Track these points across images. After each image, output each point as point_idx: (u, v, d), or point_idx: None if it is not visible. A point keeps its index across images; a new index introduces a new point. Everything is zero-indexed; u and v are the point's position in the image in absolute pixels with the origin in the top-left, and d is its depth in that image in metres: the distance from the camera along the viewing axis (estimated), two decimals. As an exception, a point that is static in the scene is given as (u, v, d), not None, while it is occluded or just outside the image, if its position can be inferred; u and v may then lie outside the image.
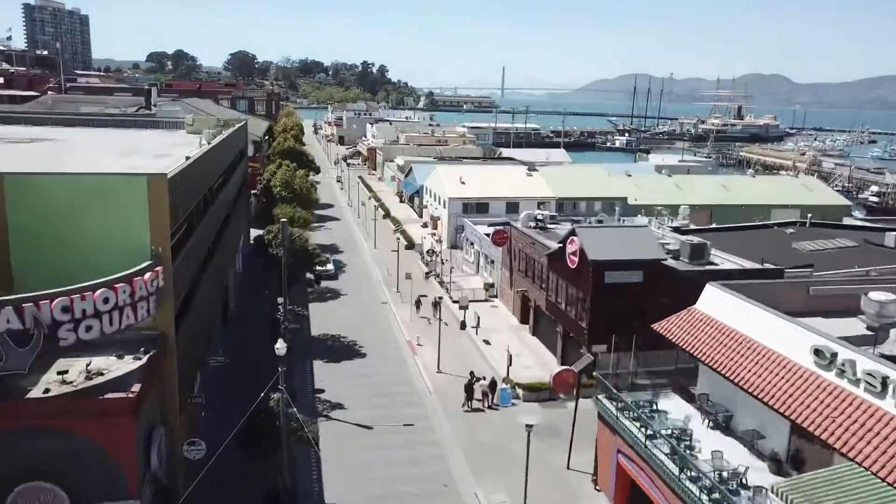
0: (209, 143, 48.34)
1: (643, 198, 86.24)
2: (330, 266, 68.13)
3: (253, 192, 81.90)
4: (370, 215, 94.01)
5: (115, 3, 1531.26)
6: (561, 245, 47.22)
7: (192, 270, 35.59)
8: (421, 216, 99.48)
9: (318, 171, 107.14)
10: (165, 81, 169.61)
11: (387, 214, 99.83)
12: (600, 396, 34.11)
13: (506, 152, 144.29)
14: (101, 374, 24.40)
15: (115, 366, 25.32)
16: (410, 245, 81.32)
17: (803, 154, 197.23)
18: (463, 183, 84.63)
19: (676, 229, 60.81)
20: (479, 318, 53.22)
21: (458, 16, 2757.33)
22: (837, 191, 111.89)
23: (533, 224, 57.79)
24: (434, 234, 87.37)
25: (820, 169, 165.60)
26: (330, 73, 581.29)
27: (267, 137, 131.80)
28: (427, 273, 69.23)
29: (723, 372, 29.59)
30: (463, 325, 54.80)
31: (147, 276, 25.69)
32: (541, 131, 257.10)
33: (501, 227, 59.23)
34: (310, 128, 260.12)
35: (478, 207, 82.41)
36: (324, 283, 65.09)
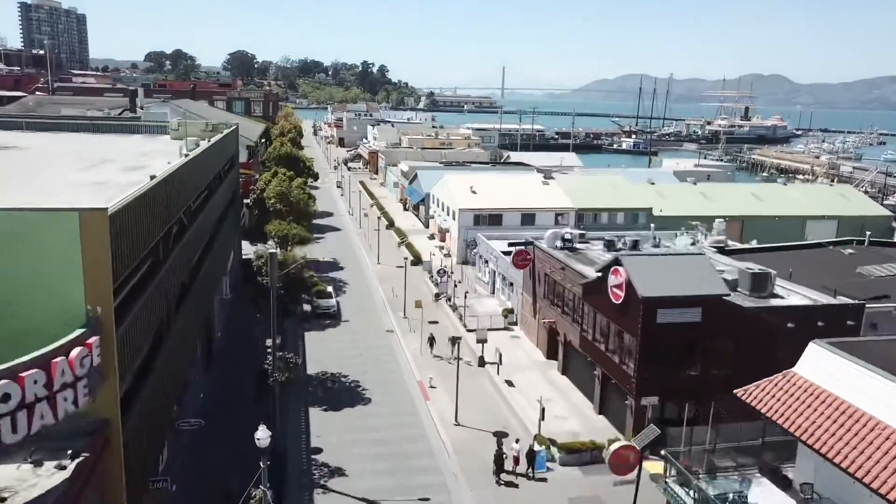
0: (188, 154, 41.18)
1: (669, 208, 79.01)
2: (332, 301, 58.81)
3: (246, 201, 74.66)
4: (372, 225, 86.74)
5: (117, 2, 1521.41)
6: (600, 274, 39.99)
7: (155, 319, 28.33)
8: (427, 226, 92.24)
9: (316, 177, 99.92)
10: (159, 82, 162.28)
11: (391, 224, 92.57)
12: (670, 482, 26.90)
13: (514, 156, 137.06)
14: (2, 500, 17.14)
15: (28, 480, 18.09)
16: (417, 261, 74.12)
17: (817, 157, 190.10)
18: (474, 192, 77.36)
19: (721, 249, 53.59)
20: (500, 354, 45.86)
21: (457, 16, 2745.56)
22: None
23: (560, 244, 50.53)
24: (442, 248, 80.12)
25: (839, 173, 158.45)
26: (330, 73, 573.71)
27: (264, 140, 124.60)
28: (437, 295, 61.95)
29: (836, 459, 22.45)
30: (482, 362, 47.54)
31: (75, 353, 18.44)
32: (545, 132, 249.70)
33: (523, 248, 51.86)
34: (309, 129, 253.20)
35: (490, 219, 75.14)
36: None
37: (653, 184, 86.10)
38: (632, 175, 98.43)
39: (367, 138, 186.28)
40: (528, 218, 75.61)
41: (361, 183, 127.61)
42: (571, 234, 50.79)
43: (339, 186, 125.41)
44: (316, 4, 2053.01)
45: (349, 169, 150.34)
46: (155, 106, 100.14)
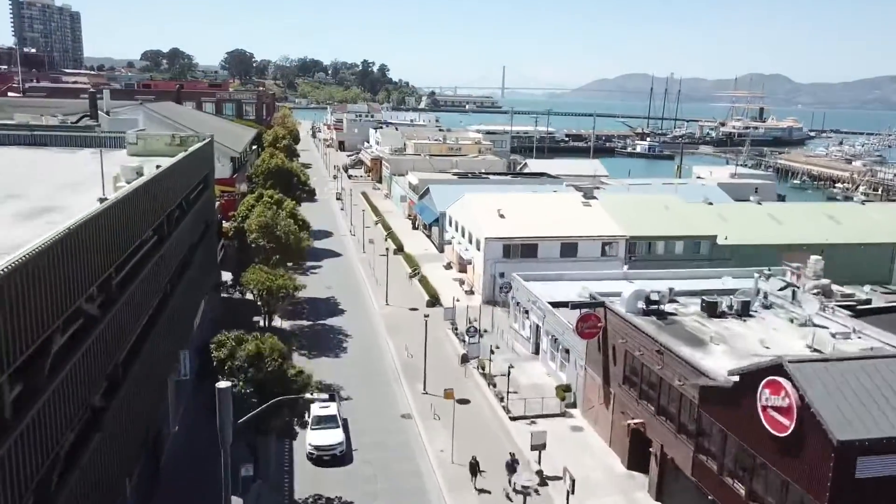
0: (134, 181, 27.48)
1: (735, 235, 64.94)
2: (337, 435, 36.28)
3: (225, 225, 60.25)
4: (378, 248, 72.93)
5: (116, 1, 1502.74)
6: (738, 380, 25.89)
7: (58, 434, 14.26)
8: (441, 250, 78.11)
9: (312, 194, 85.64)
10: (143, 81, 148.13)
11: (399, 249, 78.46)
12: None
13: (531, 164, 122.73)
14: None
15: None
16: (434, 300, 60.06)
17: (850, 161, 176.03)
18: (502, 216, 63.19)
19: (851, 308, 39.46)
20: (572, 480, 31.32)
21: (456, 15, 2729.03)
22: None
23: (643, 305, 36.41)
24: (463, 283, 65.98)
25: (880, 181, 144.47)
26: (329, 72, 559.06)
27: (255, 147, 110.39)
28: (464, 357, 47.73)
29: None
30: (543, 479, 33.40)
31: None
32: (555, 135, 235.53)
33: (591, 311, 37.60)
34: (307, 131, 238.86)
35: (523, 250, 61.05)
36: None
37: (710, 204, 71.97)
38: (655, 184, 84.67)
39: (368, 142, 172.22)
40: (569, 248, 61.52)
41: (364, 195, 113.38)
42: (659, 293, 36.50)
43: (338, 198, 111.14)
44: (315, 3, 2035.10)
45: (350, 177, 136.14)
46: (127, 110, 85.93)
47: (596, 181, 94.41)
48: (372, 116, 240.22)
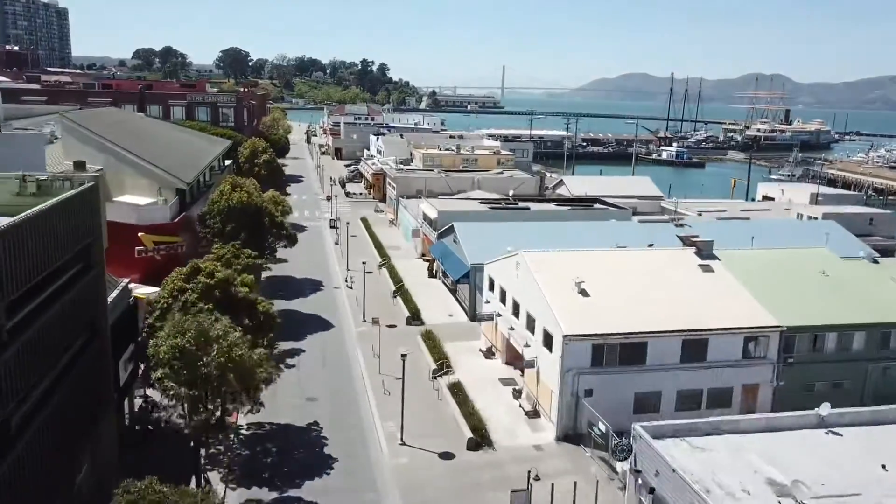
0: None
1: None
2: None
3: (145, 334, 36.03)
4: (385, 311, 49.23)
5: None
6: None
7: None
8: (473, 317, 54.24)
9: (293, 240, 61.43)
10: (103, 80, 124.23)
11: (415, 317, 54.64)
12: None
13: (571, 183, 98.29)
14: None
15: None
16: (479, 438, 36.40)
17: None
18: (583, 293, 39.28)
19: None
20: None
21: (454, 14, 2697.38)
22: None
23: None
24: (519, 395, 42.04)
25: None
26: (328, 71, 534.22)
27: (230, 164, 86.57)
28: None
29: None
30: None
31: None
32: (574, 140, 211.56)
33: None
34: (302, 135, 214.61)
35: (624, 353, 37.21)
36: None
37: (876, 262, 48.03)
38: (755, 225, 60.96)
39: (369, 149, 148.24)
40: (693, 348, 37.72)
41: (364, 222, 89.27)
42: None
43: (332, 226, 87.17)
44: (313, 2, 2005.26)
45: (348, 195, 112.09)
46: (40, 122, 62.17)
47: (671, 212, 70.47)
48: (372, 119, 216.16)
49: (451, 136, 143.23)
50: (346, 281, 65.17)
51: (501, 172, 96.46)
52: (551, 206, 73.85)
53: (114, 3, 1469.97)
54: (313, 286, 64.19)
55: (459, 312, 57.28)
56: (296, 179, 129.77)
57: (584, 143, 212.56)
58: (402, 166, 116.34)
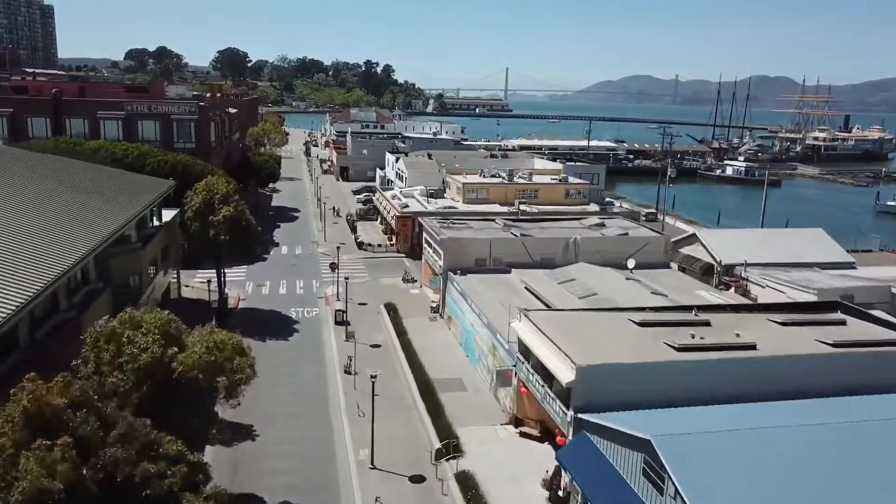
0: None
1: None
2: None
3: None
4: None
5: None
6: None
7: None
8: None
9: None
10: (14, 82, 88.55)
11: None
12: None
13: (712, 243, 61.87)
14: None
15: None
16: None
17: None
18: None
19: None
20: None
21: (457, 16, 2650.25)
22: None
23: None
24: None
25: None
26: (330, 73, 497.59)
27: (178, 214, 51.25)
28: None
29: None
30: None
31: None
32: (618, 151, 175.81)
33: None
34: (301, 147, 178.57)
35: None
36: None
37: None
38: None
39: (383, 169, 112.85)
40: None
41: (392, 314, 52.25)
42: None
43: (341, 322, 50.96)
44: (313, 2, 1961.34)
45: (361, 245, 75.91)
46: None
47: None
48: (382, 127, 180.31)
49: (492, 154, 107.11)
50: (371, 465, 29.51)
51: (603, 224, 60.14)
52: (761, 319, 37.51)
53: (106, 2, 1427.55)
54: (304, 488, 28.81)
55: None
56: (288, 214, 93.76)
57: (630, 156, 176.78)
58: (433, 199, 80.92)
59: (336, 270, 57.21)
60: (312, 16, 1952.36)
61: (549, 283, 46.47)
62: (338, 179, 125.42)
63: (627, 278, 47.74)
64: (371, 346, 46.82)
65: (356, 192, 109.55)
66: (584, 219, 62.92)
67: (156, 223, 48.27)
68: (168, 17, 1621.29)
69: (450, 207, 76.93)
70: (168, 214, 50.95)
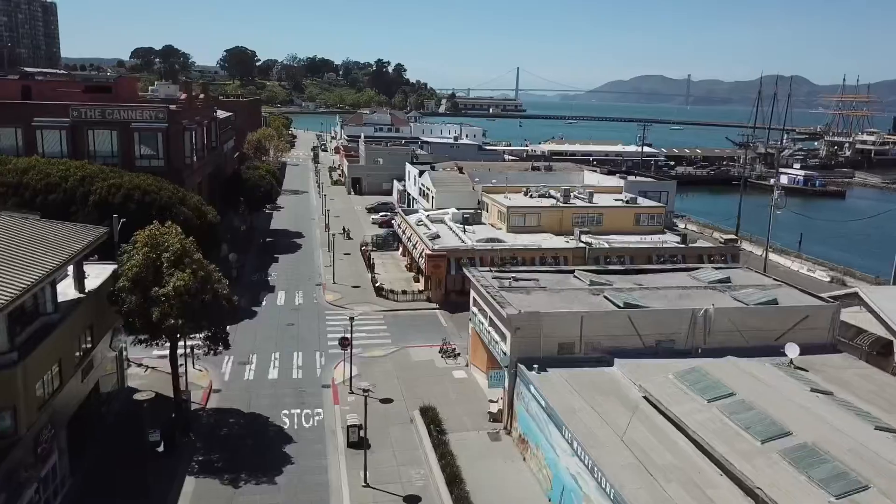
0: None
1: None
2: None
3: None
4: None
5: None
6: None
7: None
8: None
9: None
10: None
11: None
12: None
13: (888, 309, 43.54)
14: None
15: None
16: None
17: None
18: None
19: None
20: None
21: (467, 16, 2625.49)
22: None
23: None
24: None
25: None
26: (340, 72, 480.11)
27: (110, 279, 32.68)
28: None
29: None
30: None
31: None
32: (658, 157, 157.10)
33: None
34: (308, 153, 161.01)
35: None
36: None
37: None
38: None
39: (402, 182, 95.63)
40: None
41: (451, 479, 31.00)
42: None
43: (356, 443, 33.02)
44: (325, 3, 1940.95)
45: (380, 291, 57.33)
46: None
47: None
48: (397, 130, 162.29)
49: (533, 166, 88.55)
50: None
51: (728, 280, 41.55)
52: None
53: (119, 3, 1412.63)
54: None
55: None
56: (289, 241, 75.75)
57: (671, 163, 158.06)
58: (469, 227, 63.03)
59: (349, 347, 39.21)
60: (322, 15, 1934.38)
61: (686, 396, 28.43)
62: (349, 193, 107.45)
63: (798, 379, 29.71)
64: (405, 499, 28.82)
65: (371, 210, 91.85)
66: (698, 269, 44.31)
67: (75, 293, 30.50)
68: (176, 15, 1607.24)
69: (494, 240, 58.86)
70: (102, 275, 33.19)
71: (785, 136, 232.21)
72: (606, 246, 58.40)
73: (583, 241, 59.76)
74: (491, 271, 41.96)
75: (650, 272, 44.03)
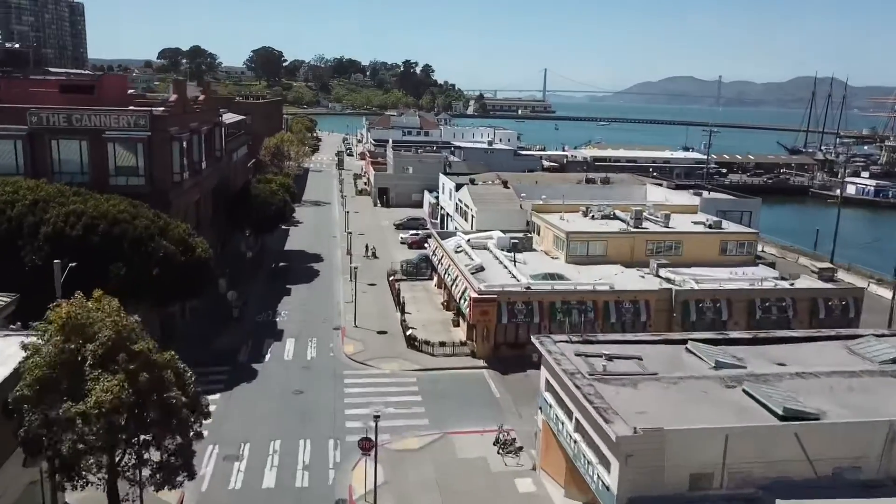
0: None
1: None
2: None
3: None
4: None
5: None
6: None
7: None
8: None
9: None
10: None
11: None
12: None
13: None
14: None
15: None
16: None
17: None
18: None
19: None
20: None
21: (494, 17, 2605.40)
22: None
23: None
24: None
25: None
26: (367, 73, 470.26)
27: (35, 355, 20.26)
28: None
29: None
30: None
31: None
32: (709, 165, 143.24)
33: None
34: (331, 157, 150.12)
35: None
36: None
37: None
38: None
39: (433, 193, 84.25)
40: None
41: None
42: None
43: None
44: (351, 3, 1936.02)
45: (414, 342, 45.43)
46: None
47: None
48: (427, 133, 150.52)
49: (588, 178, 75.91)
50: None
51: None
52: None
53: (148, 4, 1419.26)
54: None
55: None
56: (306, 267, 64.27)
57: (723, 170, 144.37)
58: (515, 254, 51.14)
59: (371, 453, 27.49)
60: (349, 16, 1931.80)
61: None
62: (375, 205, 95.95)
63: None
64: None
65: (399, 227, 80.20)
66: (857, 339, 31.71)
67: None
68: (204, 16, 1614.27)
69: (553, 276, 46.86)
70: (13, 359, 21.78)
71: (837, 141, 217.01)
72: (695, 286, 45.98)
73: (662, 277, 47.53)
74: (570, 341, 29.92)
75: (788, 341, 31.59)
